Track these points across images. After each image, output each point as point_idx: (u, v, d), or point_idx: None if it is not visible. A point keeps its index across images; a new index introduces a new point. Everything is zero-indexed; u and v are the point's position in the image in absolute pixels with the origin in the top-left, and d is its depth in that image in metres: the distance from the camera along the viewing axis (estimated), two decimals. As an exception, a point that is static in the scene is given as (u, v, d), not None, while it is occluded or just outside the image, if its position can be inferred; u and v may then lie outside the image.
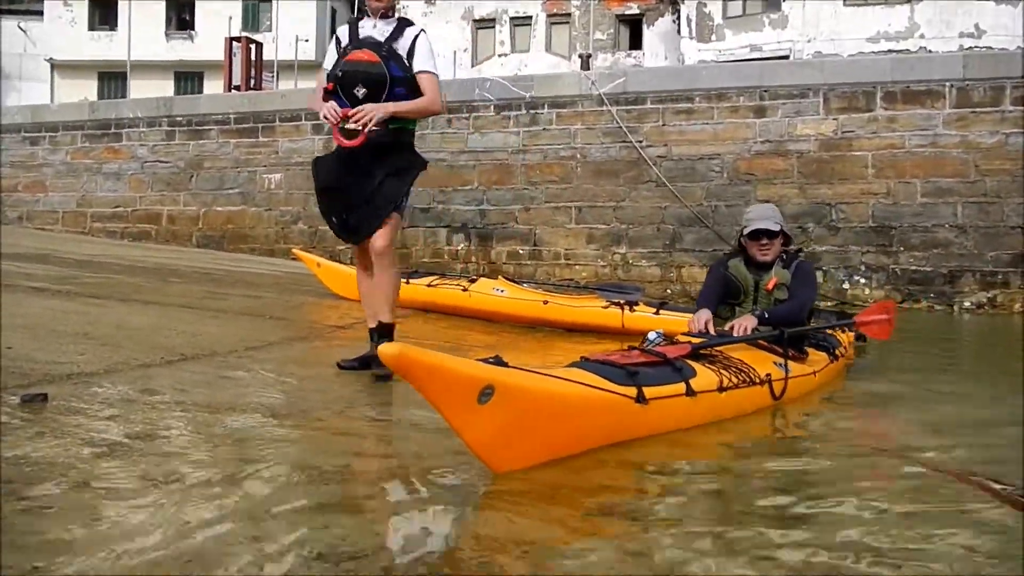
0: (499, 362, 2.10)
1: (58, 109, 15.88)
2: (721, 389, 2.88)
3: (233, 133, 13.81)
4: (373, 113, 3.35)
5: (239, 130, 13.77)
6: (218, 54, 19.81)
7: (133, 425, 2.34)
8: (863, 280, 10.64)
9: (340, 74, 3.45)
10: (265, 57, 19.74)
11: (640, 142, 11.46)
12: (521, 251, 12.07)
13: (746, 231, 3.89)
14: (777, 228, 3.85)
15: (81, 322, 3.37)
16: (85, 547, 1.43)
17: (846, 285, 10.66)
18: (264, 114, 13.65)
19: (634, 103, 11.59)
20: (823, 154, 10.80)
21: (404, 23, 3.59)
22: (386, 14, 3.57)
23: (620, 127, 11.54)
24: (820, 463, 2.61)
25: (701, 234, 11.19)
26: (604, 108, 11.65)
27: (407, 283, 6.91)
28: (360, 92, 3.41)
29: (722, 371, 3.00)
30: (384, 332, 3.57)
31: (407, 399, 3.14)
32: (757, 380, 3.13)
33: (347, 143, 3.41)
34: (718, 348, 3.23)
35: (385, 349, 1.79)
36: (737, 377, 3.02)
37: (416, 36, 3.54)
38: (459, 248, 12.35)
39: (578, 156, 11.84)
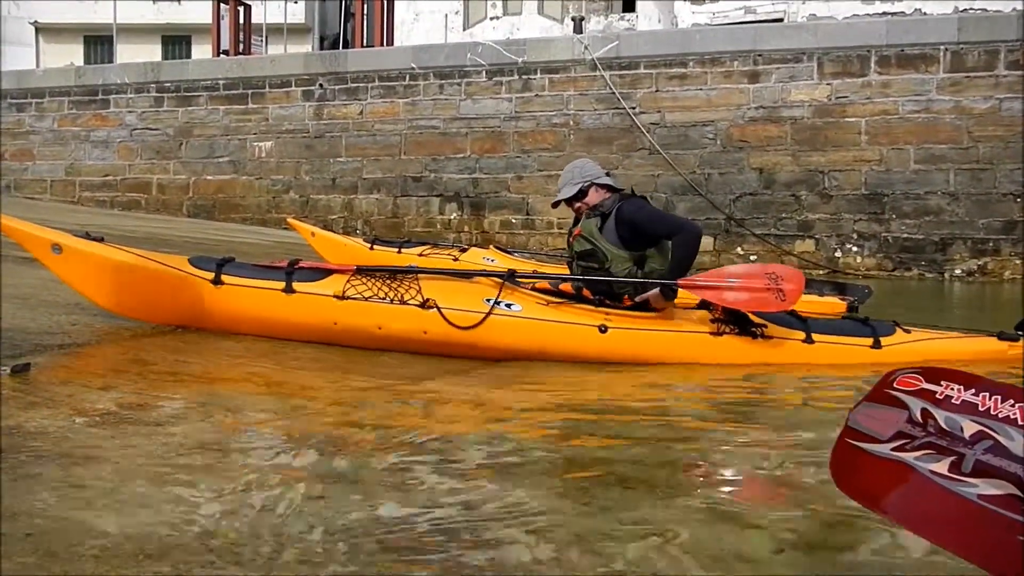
0: (93, 237, 3.22)
1: (44, 75, 15.60)
2: (342, 297, 3.29)
3: (223, 100, 13.66)
4: None
5: (228, 96, 13.62)
6: (206, 17, 19.45)
7: (125, 395, 2.34)
8: (855, 248, 10.67)
9: None
10: (254, 20, 19.43)
11: (633, 108, 11.39)
12: (514, 220, 12.04)
13: None
14: (568, 195, 3.66)
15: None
16: (77, 516, 1.43)
17: (838, 253, 10.69)
18: (254, 80, 13.49)
19: (627, 68, 11.50)
20: (816, 120, 10.76)
21: None
22: None
23: (613, 93, 11.46)
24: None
25: (695, 202, 11.18)
26: (597, 74, 11.56)
27: (399, 252, 6.92)
28: None
29: (371, 288, 3.31)
30: None
31: (402, 370, 3.15)
32: (411, 302, 3.29)
33: None
34: (424, 277, 3.41)
35: None
36: (380, 293, 3.30)
37: None
38: (451, 217, 12.31)
39: (571, 123, 11.77)
